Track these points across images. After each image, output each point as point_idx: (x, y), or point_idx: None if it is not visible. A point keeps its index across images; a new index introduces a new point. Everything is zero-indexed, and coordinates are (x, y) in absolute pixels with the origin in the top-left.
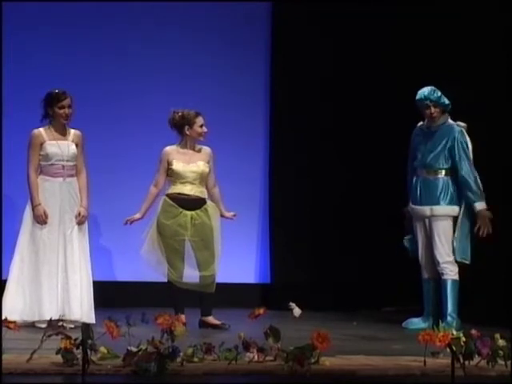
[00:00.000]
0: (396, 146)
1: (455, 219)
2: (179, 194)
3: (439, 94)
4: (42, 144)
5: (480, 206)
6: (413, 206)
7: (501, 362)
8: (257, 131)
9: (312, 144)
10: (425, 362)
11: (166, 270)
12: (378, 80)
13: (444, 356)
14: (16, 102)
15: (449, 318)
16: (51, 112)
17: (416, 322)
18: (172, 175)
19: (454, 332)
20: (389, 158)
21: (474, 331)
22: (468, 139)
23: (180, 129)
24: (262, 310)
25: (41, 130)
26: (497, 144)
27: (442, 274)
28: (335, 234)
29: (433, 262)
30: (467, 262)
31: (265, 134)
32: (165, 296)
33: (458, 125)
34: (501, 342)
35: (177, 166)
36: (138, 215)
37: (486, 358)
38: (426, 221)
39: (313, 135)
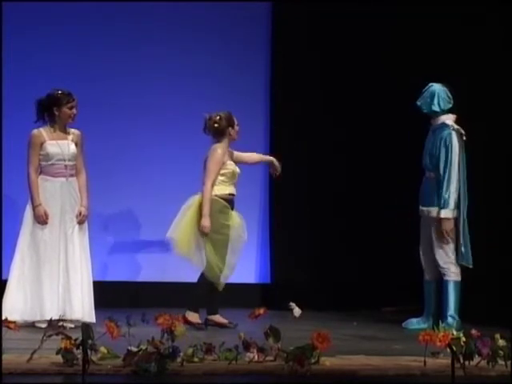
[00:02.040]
0: (396, 146)
1: (455, 220)
2: (230, 194)
3: (422, 92)
4: (42, 144)
5: (445, 213)
6: (420, 207)
7: (501, 362)
8: (257, 131)
9: (312, 144)
10: (425, 362)
11: (211, 270)
12: (378, 80)
13: (444, 356)
14: (16, 102)
15: (449, 319)
16: (57, 112)
17: (416, 323)
18: (226, 175)
19: (455, 332)
20: (390, 159)
21: (473, 331)
22: (455, 142)
23: (224, 131)
24: (262, 310)
25: (41, 129)
26: (497, 144)
27: (444, 274)
28: (335, 234)
29: (434, 263)
30: (471, 266)
31: (265, 134)
32: (190, 296)
33: (452, 127)
34: (501, 342)
35: (232, 166)
36: (208, 222)
37: (486, 358)
38: (426, 221)
39: (313, 135)
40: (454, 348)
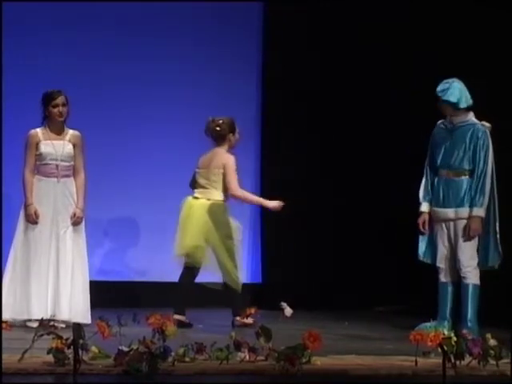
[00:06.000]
0: (393, 148)
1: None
2: None
3: (446, 87)
4: (37, 144)
5: (477, 212)
6: (434, 209)
7: (492, 361)
8: (249, 133)
9: (304, 144)
10: (416, 361)
11: (228, 275)
12: (374, 80)
13: (435, 356)
14: (17, 102)
15: (470, 324)
16: (47, 112)
17: (429, 327)
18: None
19: (446, 332)
20: (385, 160)
21: (464, 331)
22: (490, 141)
23: (225, 136)
24: (253, 310)
25: (37, 130)
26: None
27: (465, 277)
28: (327, 233)
29: (454, 266)
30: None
31: (257, 136)
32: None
33: (482, 124)
34: (492, 342)
35: None
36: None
37: (477, 358)
38: (450, 223)
39: (306, 137)
40: (445, 348)
